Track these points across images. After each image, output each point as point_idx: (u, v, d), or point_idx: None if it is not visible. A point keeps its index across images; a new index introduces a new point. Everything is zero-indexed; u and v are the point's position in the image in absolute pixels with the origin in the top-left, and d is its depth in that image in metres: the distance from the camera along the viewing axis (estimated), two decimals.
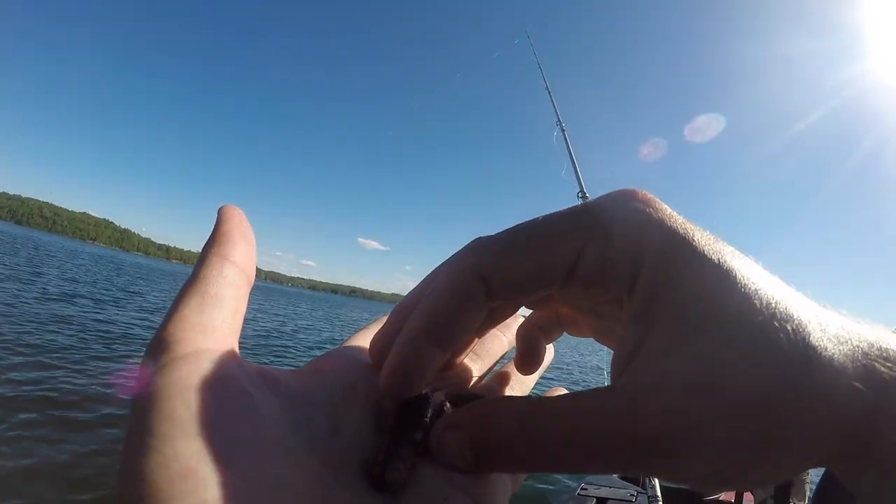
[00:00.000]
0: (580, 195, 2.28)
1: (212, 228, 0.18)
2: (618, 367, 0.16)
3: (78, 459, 2.49)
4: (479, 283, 0.17)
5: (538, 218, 0.17)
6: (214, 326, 0.16)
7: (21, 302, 6.46)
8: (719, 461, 0.13)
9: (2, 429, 2.60)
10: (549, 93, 2.63)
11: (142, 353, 0.14)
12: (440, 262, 0.19)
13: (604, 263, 0.16)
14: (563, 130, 2.41)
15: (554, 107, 2.53)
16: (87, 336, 5.35)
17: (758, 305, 0.14)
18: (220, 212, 0.19)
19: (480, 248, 0.18)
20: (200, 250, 0.18)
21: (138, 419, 0.13)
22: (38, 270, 11.66)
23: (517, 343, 0.23)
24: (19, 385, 3.28)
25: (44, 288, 8.46)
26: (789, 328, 0.13)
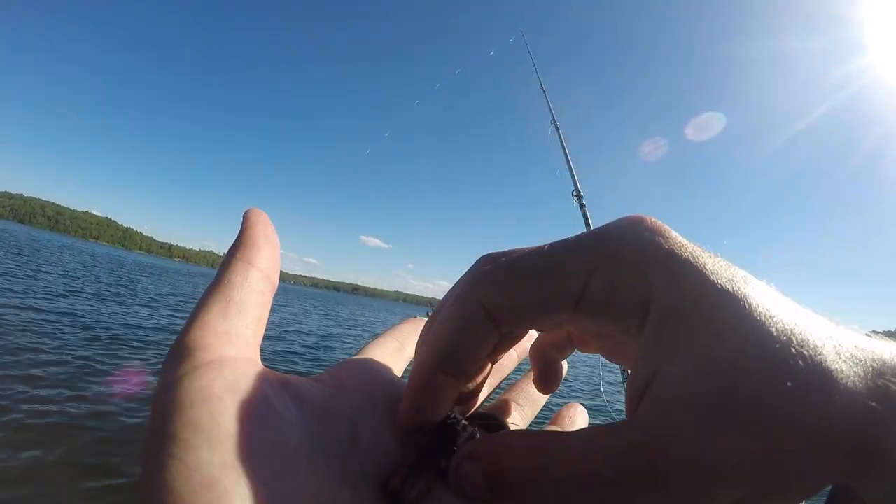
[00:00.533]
0: (574, 193, 2.32)
1: (237, 232, 0.18)
2: (632, 400, 0.16)
3: (83, 449, 2.55)
4: (485, 316, 0.17)
5: (544, 246, 0.17)
6: (238, 333, 0.16)
7: (25, 299, 6.53)
8: (741, 491, 0.13)
9: (5, 421, 2.67)
10: (544, 91, 2.66)
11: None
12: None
13: (611, 295, 0.16)
14: (557, 129, 2.44)
15: (548, 105, 2.56)
16: (89, 333, 5.40)
17: (774, 332, 0.14)
18: (245, 215, 0.19)
19: (485, 279, 0.17)
20: (225, 253, 0.18)
21: (160, 425, 0.13)
22: (41, 268, 11.72)
23: (533, 364, 0.23)
24: (23, 380, 3.35)
25: (47, 286, 8.52)
26: (806, 353, 0.13)
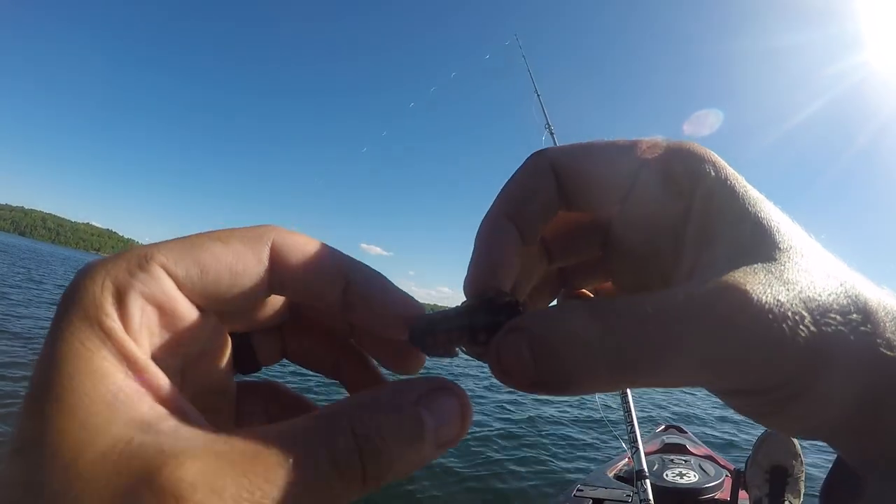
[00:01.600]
0: None
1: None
2: (684, 276, 0.17)
3: None
4: (550, 169, 0.18)
5: (601, 139, 0.19)
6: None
7: (27, 309, 6.52)
8: (788, 372, 0.14)
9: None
10: (538, 95, 2.66)
11: None
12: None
13: (664, 180, 0.17)
14: (552, 133, 2.44)
15: (542, 110, 2.56)
16: None
17: (812, 247, 0.16)
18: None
19: (554, 147, 0.19)
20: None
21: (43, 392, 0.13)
22: (42, 280, 11.70)
23: (567, 293, 0.24)
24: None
25: (50, 295, 8.52)
26: (847, 279, 0.15)
